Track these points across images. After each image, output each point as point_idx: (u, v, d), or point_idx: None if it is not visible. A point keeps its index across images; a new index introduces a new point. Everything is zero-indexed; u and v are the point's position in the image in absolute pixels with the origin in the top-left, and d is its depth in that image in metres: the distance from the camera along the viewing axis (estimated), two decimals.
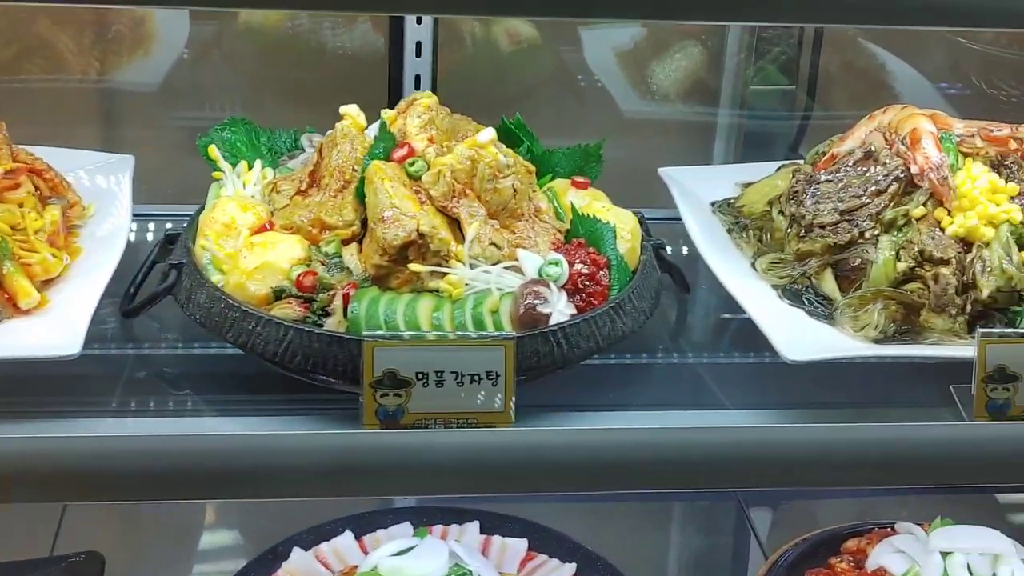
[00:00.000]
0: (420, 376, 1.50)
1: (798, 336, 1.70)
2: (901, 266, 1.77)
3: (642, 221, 1.93)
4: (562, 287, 1.70)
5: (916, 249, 1.77)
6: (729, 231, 2.01)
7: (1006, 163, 1.86)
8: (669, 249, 1.99)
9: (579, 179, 1.92)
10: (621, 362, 1.82)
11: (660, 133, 2.59)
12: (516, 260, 1.71)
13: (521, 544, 2.11)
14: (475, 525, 2.14)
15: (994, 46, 2.73)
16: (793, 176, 1.94)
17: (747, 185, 2.10)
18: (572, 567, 2.07)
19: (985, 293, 1.73)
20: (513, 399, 1.52)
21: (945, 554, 1.97)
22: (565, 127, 2.46)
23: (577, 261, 1.73)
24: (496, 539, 2.12)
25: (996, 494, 2.62)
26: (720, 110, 2.58)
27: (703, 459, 1.57)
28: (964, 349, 1.67)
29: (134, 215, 1.95)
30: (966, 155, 1.88)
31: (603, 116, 2.53)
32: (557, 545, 2.12)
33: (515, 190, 1.74)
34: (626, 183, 2.20)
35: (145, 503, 2.30)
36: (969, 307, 1.74)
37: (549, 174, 1.95)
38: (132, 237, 1.97)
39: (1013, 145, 1.86)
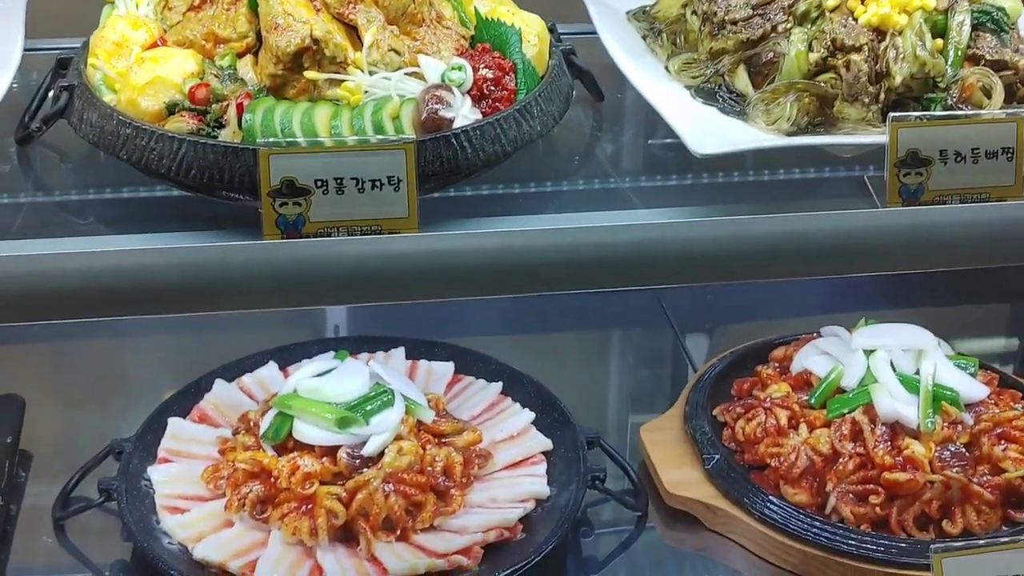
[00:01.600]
0: (319, 184, 1.45)
1: (709, 131, 1.66)
2: (813, 56, 1.73)
3: (553, 28, 1.88)
4: (467, 92, 1.65)
5: (828, 39, 1.73)
6: (644, 37, 1.95)
7: None
8: (585, 61, 1.94)
9: None
10: (531, 173, 1.79)
11: None
12: (418, 67, 1.66)
13: (447, 367, 2.10)
14: (400, 351, 2.12)
15: None
16: None
17: None
18: (498, 385, 2.06)
19: (898, 80, 1.69)
20: (417, 205, 1.49)
21: (868, 352, 1.97)
22: None
23: (482, 66, 1.67)
24: (422, 363, 2.11)
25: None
26: None
27: (617, 257, 1.55)
28: (877, 136, 1.65)
29: (34, 50, 1.88)
30: None
31: None
32: (484, 367, 2.11)
33: None
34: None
35: (66, 343, 2.29)
36: (883, 96, 1.71)
37: None
38: (33, 73, 1.91)
39: None
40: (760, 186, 1.79)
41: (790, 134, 1.69)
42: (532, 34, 1.76)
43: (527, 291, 1.61)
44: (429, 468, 1.81)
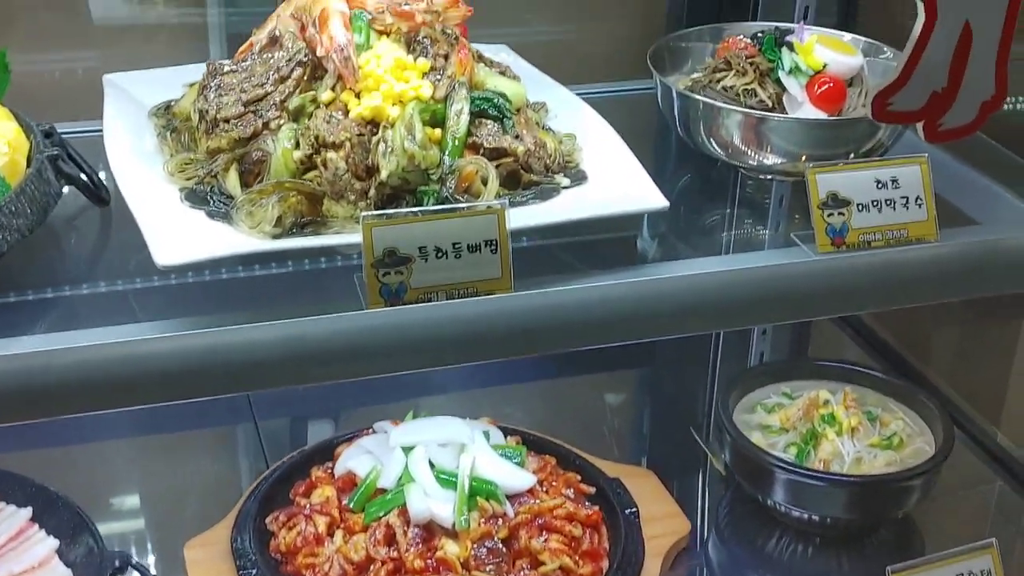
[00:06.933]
0: None
1: (181, 239, 1.58)
2: (298, 154, 1.66)
3: (50, 133, 1.78)
4: None
5: (312, 135, 1.67)
6: (159, 135, 1.87)
7: (418, 39, 1.78)
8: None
9: None
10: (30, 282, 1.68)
11: (146, 41, 2.43)
12: None
13: None
14: None
15: None
16: (207, 69, 1.82)
17: (192, 85, 1.97)
18: (28, 511, 1.93)
19: (384, 174, 1.64)
20: None
21: (408, 449, 1.91)
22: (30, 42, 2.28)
23: None
24: None
25: None
26: (208, 9, 2.44)
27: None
28: (356, 236, 1.59)
29: None
30: (381, 33, 1.80)
31: (75, 25, 2.35)
32: (18, 490, 1.97)
33: None
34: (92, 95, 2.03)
35: None
36: (373, 191, 1.66)
37: None
38: None
39: (419, 19, 1.78)
40: (258, 283, 1.72)
41: (277, 236, 1.63)
42: (2, 142, 1.65)
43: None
44: None
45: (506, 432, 2.09)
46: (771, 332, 2.74)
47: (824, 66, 1.94)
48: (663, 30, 2.69)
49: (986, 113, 1.62)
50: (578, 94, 2.02)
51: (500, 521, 1.85)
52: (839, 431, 2.11)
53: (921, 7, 1.50)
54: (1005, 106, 2.36)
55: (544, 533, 1.86)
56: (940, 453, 2.08)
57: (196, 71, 2.02)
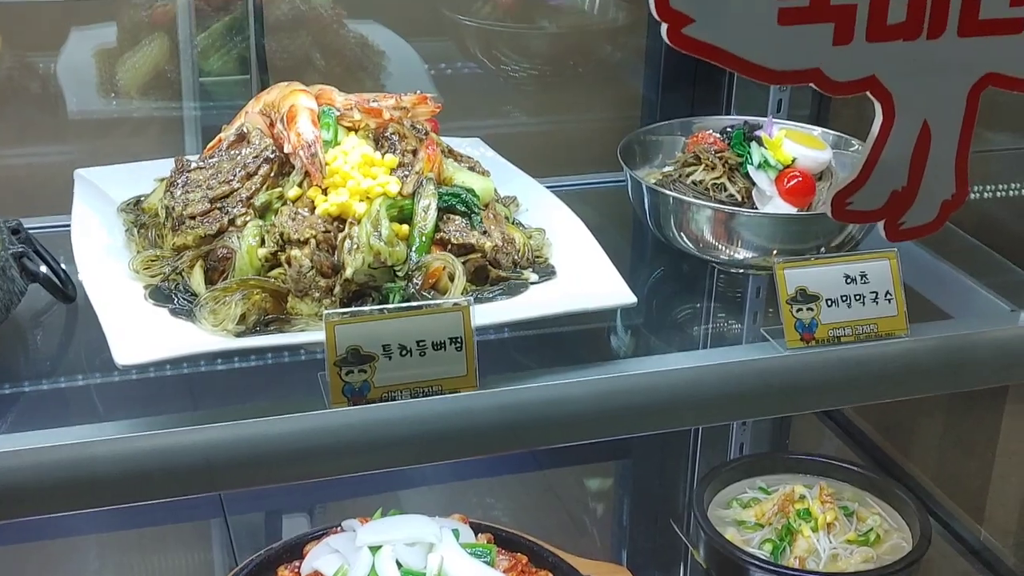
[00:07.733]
0: None
1: (142, 338, 1.56)
2: (263, 252, 1.66)
3: (17, 229, 1.78)
4: None
5: (278, 232, 1.67)
6: (127, 231, 1.86)
7: (387, 135, 1.79)
8: None
9: None
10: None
11: (121, 135, 2.44)
12: None
13: None
14: None
15: (490, 20, 2.69)
16: (174, 165, 1.82)
17: (163, 180, 1.97)
18: None
19: (349, 271, 1.63)
20: None
21: (375, 548, 1.89)
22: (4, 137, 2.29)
23: None
24: None
25: None
26: (184, 103, 2.45)
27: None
28: (318, 334, 1.57)
29: None
30: (350, 129, 1.80)
31: (51, 120, 2.35)
32: None
33: None
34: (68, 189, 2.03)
35: None
36: (339, 288, 1.65)
37: None
38: None
39: (387, 116, 1.78)
40: (222, 378, 1.70)
41: (240, 334, 1.61)
42: None
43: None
44: None
45: (477, 529, 2.06)
46: (751, 424, 2.72)
47: (793, 160, 1.95)
48: (638, 122, 2.72)
49: (947, 212, 1.62)
50: (552, 187, 2.03)
51: None
52: (815, 527, 2.08)
53: (879, 107, 1.50)
54: (984, 195, 2.39)
55: None
56: (917, 549, 2.06)
57: (168, 166, 2.03)
